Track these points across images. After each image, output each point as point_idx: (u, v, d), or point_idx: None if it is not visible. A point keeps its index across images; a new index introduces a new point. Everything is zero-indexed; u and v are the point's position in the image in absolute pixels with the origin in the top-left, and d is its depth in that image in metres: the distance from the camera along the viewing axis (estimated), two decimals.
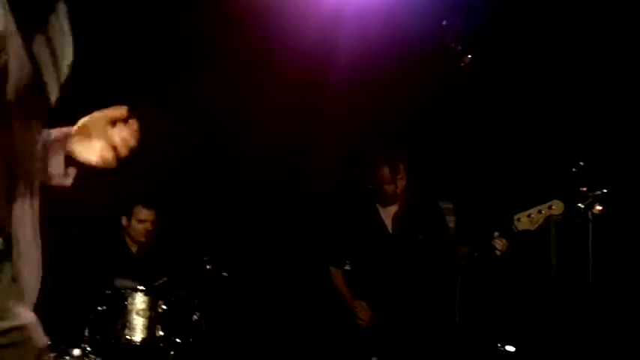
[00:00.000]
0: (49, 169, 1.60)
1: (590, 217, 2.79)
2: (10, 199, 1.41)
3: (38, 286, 1.50)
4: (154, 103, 3.77)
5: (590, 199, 2.73)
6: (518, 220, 3.41)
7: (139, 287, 4.04)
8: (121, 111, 1.61)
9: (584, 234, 3.18)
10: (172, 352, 4.06)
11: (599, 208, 3.80)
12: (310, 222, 4.63)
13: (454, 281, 3.79)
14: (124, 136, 1.58)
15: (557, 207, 3.38)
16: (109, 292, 3.98)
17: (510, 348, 4.20)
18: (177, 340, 4.08)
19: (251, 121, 4.79)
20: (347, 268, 3.92)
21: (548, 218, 3.43)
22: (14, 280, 1.41)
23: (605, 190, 2.69)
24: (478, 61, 2.80)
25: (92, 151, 1.60)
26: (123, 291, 4.00)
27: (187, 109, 4.57)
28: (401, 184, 3.71)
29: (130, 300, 3.99)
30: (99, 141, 1.59)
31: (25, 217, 1.45)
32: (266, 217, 4.90)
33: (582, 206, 2.80)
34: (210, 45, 4.42)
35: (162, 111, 4.01)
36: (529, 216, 3.40)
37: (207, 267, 4.27)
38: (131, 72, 4.34)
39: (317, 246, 4.18)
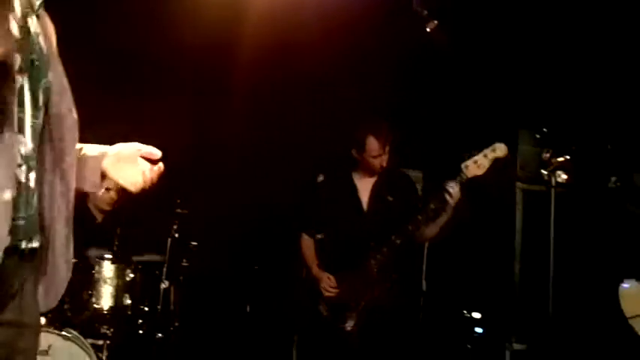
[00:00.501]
0: (86, 175, 1.85)
1: (553, 183, 2.80)
2: (52, 200, 1.71)
3: (65, 284, 1.75)
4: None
5: (554, 166, 2.74)
6: (466, 167, 3.43)
7: (105, 255, 4.01)
8: (155, 152, 1.86)
9: (549, 200, 3.22)
10: (140, 321, 4.05)
11: (564, 177, 3.85)
12: (283, 191, 4.62)
13: (421, 249, 3.82)
14: (152, 175, 1.85)
15: (500, 149, 3.42)
16: (75, 260, 3.93)
17: (476, 315, 4.27)
18: (145, 308, 4.08)
19: (226, 86, 4.76)
20: (319, 237, 3.92)
21: (494, 161, 3.42)
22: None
23: (568, 157, 2.70)
24: (443, 25, 2.78)
25: (123, 174, 1.87)
26: (90, 259, 3.96)
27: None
28: (385, 159, 3.70)
29: (97, 268, 3.96)
30: (130, 168, 1.85)
31: (61, 214, 1.76)
32: (239, 185, 4.88)
33: (545, 173, 2.81)
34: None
35: None
36: (475, 162, 3.42)
37: (176, 235, 4.25)
38: None
39: (290, 214, 4.15)
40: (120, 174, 1.88)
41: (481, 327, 4.23)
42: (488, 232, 3.95)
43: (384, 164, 3.68)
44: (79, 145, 1.84)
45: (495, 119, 4.36)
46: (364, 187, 3.77)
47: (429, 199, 3.52)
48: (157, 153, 1.87)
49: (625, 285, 2.93)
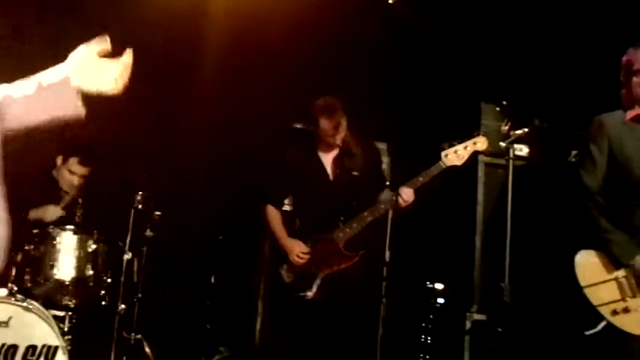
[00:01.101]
0: (65, 102, 1.80)
1: (511, 155, 2.85)
2: None
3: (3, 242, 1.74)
4: None
5: (512, 138, 2.79)
6: (446, 156, 3.53)
7: (67, 226, 3.96)
8: (106, 45, 1.80)
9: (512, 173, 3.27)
10: (103, 292, 4.03)
11: (526, 150, 3.92)
12: (249, 162, 4.61)
13: (385, 220, 3.84)
14: (122, 70, 1.80)
15: (481, 143, 3.56)
16: (37, 231, 3.88)
17: (439, 285, 4.35)
18: (108, 279, 4.05)
19: (192, 63, 4.71)
20: (285, 208, 3.93)
21: (473, 153, 3.55)
22: None
23: (526, 130, 2.75)
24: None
25: (96, 83, 1.80)
26: (51, 230, 3.91)
27: None
28: (340, 137, 3.71)
29: (58, 239, 3.91)
30: (98, 73, 1.78)
31: None
32: (204, 157, 4.85)
33: (503, 145, 2.87)
34: None
35: None
36: (456, 152, 3.53)
37: (140, 206, 4.22)
38: None
39: (255, 185, 4.14)
40: (94, 84, 1.83)
41: (443, 298, 4.31)
42: (451, 205, 4.00)
43: (340, 142, 3.70)
44: (34, 78, 1.81)
45: (459, 92, 4.40)
46: (327, 159, 3.79)
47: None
48: (108, 45, 1.82)
49: (579, 255, 2.99)
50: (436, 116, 4.63)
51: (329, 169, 3.78)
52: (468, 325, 3.87)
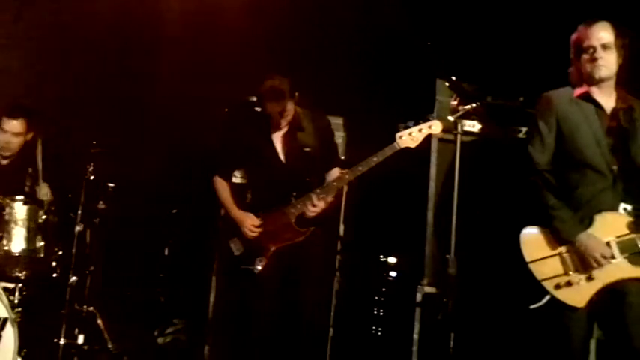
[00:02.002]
0: None
1: (459, 130, 2.90)
2: None
3: None
4: None
5: (460, 113, 2.83)
6: (400, 137, 3.56)
7: (17, 197, 3.89)
8: None
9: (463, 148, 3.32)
10: (54, 264, 3.98)
11: (479, 126, 3.97)
12: (201, 134, 4.57)
13: (339, 194, 3.87)
14: None
15: (436, 126, 3.61)
16: None
17: (392, 259, 4.40)
18: (60, 251, 4.00)
19: (149, 35, 4.64)
20: (237, 180, 3.91)
21: (428, 136, 3.60)
22: None
23: (474, 105, 2.79)
24: None
25: None
26: (1, 200, 3.83)
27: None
28: (286, 120, 3.71)
29: (7, 210, 3.84)
30: None
31: None
32: (157, 128, 4.80)
33: (452, 119, 2.91)
34: None
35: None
36: (410, 134, 3.56)
37: (92, 177, 4.16)
38: None
39: (207, 157, 4.12)
40: None
41: (396, 271, 4.37)
42: (404, 179, 4.04)
43: (286, 125, 3.70)
44: None
45: (416, 68, 4.43)
46: (278, 137, 3.77)
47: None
48: None
49: (526, 231, 3.06)
50: (392, 92, 4.66)
51: (279, 148, 3.77)
52: (419, 297, 3.93)
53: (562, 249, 3.00)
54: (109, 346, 4.19)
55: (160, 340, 4.52)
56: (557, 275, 2.98)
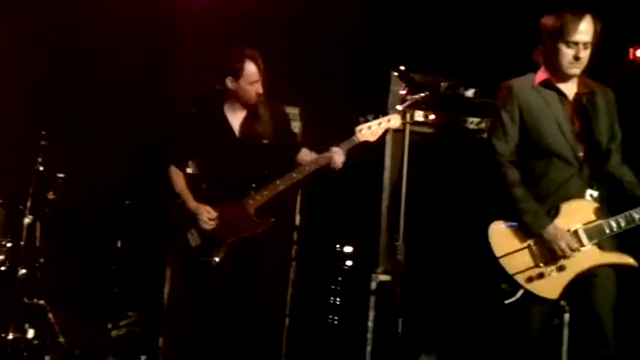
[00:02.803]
0: None
1: (408, 119, 2.93)
2: None
3: None
4: None
5: (409, 102, 2.85)
6: (360, 131, 3.57)
7: None
8: None
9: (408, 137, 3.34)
10: (2, 257, 3.88)
11: (432, 117, 4.02)
12: (155, 123, 4.50)
13: (295, 186, 3.87)
14: None
15: (395, 120, 3.62)
16: None
17: (348, 248, 4.44)
18: (8, 243, 3.90)
19: (100, 19, 4.53)
20: (189, 170, 3.86)
21: (386, 130, 3.62)
22: None
23: (423, 95, 2.82)
24: None
25: None
26: None
27: None
28: (259, 88, 3.66)
29: None
30: None
31: None
32: (109, 116, 4.70)
33: (400, 109, 2.94)
34: None
35: None
36: (370, 128, 3.57)
37: (41, 168, 4.06)
38: None
39: (161, 146, 4.06)
40: None
41: (352, 260, 4.40)
42: (359, 169, 4.07)
43: (260, 91, 3.66)
44: None
45: (370, 58, 4.45)
46: (235, 120, 3.73)
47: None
48: None
49: (493, 226, 3.01)
50: (348, 82, 4.67)
51: (236, 130, 3.73)
52: (374, 285, 3.98)
53: (530, 241, 2.97)
54: (60, 340, 4.10)
55: (113, 332, 4.45)
56: (529, 268, 2.95)
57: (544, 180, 2.99)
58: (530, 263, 2.95)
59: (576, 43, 2.93)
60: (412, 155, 3.96)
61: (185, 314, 4.06)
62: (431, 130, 4.08)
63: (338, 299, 4.38)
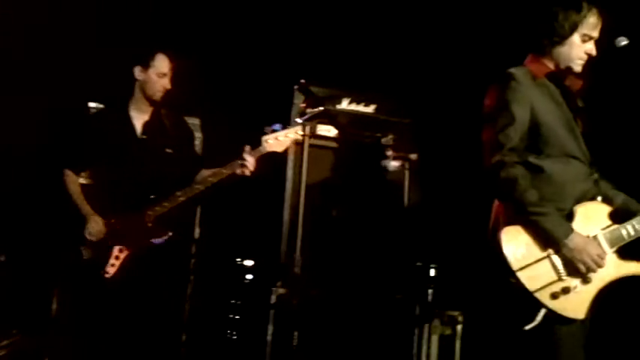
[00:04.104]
0: None
1: (306, 132, 2.95)
2: None
3: None
4: None
5: (308, 115, 2.87)
6: (267, 141, 3.54)
7: None
8: None
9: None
10: None
11: (333, 131, 4.09)
12: (46, 124, 4.27)
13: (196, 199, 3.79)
14: None
15: (303, 131, 3.62)
16: None
17: (249, 262, 4.40)
18: None
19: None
20: (83, 181, 3.69)
21: (292, 141, 3.62)
22: None
23: (321, 108, 2.85)
24: None
25: None
26: None
27: None
28: (167, 84, 3.57)
29: None
30: None
31: None
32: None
33: (300, 121, 2.95)
34: None
35: None
36: (277, 138, 3.55)
37: None
38: None
39: (54, 149, 3.86)
40: None
41: (252, 274, 4.36)
42: (260, 181, 4.06)
43: (168, 87, 3.57)
44: None
45: (274, 74, 4.47)
46: (139, 120, 3.62)
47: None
48: None
49: (507, 232, 2.51)
50: (252, 93, 4.67)
51: (139, 131, 3.62)
52: (273, 299, 3.96)
53: (550, 250, 2.52)
54: None
55: None
56: (552, 282, 2.49)
57: (556, 182, 2.61)
58: (554, 277, 2.50)
59: (592, 39, 2.67)
60: (313, 168, 4.00)
61: (74, 332, 3.86)
62: (332, 144, 4.16)
63: (237, 314, 4.32)
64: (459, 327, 4.07)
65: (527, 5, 2.84)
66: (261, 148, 3.55)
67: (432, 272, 4.26)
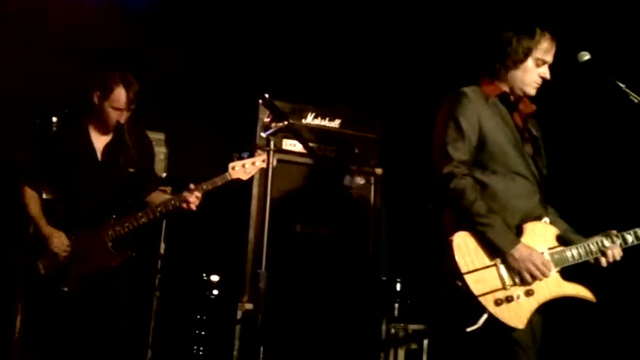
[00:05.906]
0: None
1: (271, 147, 2.95)
2: None
3: None
4: None
5: (273, 130, 2.87)
6: (233, 168, 3.53)
7: None
8: None
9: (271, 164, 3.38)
10: None
11: (298, 145, 4.10)
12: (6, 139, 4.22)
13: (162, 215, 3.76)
14: None
15: (268, 147, 3.54)
16: None
17: (215, 277, 4.37)
18: None
19: None
20: (44, 196, 3.64)
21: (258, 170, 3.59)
22: None
23: (286, 122, 2.85)
24: None
25: None
26: None
27: None
28: (126, 116, 3.54)
29: None
30: None
31: None
32: None
33: (264, 135, 2.94)
34: None
35: None
36: (244, 166, 3.53)
37: None
38: None
39: (14, 163, 3.80)
40: None
41: (218, 289, 4.34)
42: (226, 198, 4.05)
43: (123, 121, 3.54)
44: None
45: (239, 88, 4.47)
46: (99, 143, 3.60)
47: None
48: None
49: (459, 237, 2.61)
50: (217, 107, 4.67)
51: (99, 152, 3.59)
52: (239, 314, 3.94)
53: (497, 260, 2.63)
54: None
55: None
56: (496, 289, 2.60)
57: (502, 198, 2.69)
58: (498, 285, 2.61)
59: (546, 63, 2.74)
60: (279, 183, 3.99)
61: (36, 350, 3.80)
62: (298, 159, 4.16)
63: (203, 330, 4.28)
64: (425, 341, 4.08)
65: (482, 30, 2.89)
66: (226, 174, 3.53)
67: (398, 287, 4.28)
